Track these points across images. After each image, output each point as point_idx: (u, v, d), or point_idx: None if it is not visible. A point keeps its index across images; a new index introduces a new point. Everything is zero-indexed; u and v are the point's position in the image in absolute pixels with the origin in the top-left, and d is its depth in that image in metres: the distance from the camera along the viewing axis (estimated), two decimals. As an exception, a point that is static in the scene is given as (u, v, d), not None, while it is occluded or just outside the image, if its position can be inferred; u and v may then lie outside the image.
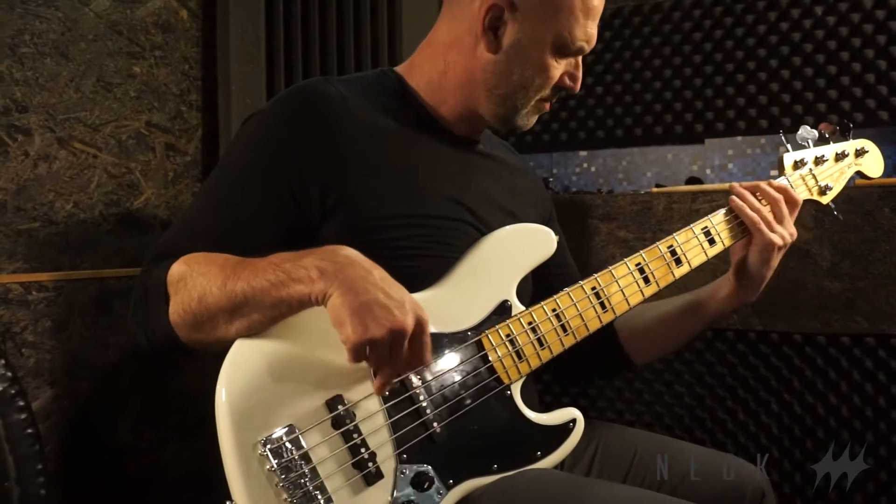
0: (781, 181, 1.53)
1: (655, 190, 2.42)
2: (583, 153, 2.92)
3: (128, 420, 2.18)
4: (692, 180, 2.67)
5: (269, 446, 1.08)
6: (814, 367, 2.18)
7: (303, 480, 1.09)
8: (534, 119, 1.40)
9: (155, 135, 2.32)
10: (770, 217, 1.44)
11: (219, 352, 1.14)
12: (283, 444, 1.09)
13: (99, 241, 2.15)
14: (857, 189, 2.04)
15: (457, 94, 1.35)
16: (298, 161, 1.24)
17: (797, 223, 2.13)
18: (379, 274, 1.08)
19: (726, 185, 2.48)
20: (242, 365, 1.12)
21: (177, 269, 1.16)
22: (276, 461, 1.08)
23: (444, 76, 1.35)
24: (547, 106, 1.39)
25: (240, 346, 1.13)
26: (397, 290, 1.09)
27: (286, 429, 1.10)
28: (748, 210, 1.43)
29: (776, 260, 1.47)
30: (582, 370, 1.60)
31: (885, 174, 2.36)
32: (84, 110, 2.14)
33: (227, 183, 1.28)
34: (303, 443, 1.11)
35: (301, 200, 1.23)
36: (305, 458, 1.10)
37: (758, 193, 1.46)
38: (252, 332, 1.13)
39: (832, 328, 2.14)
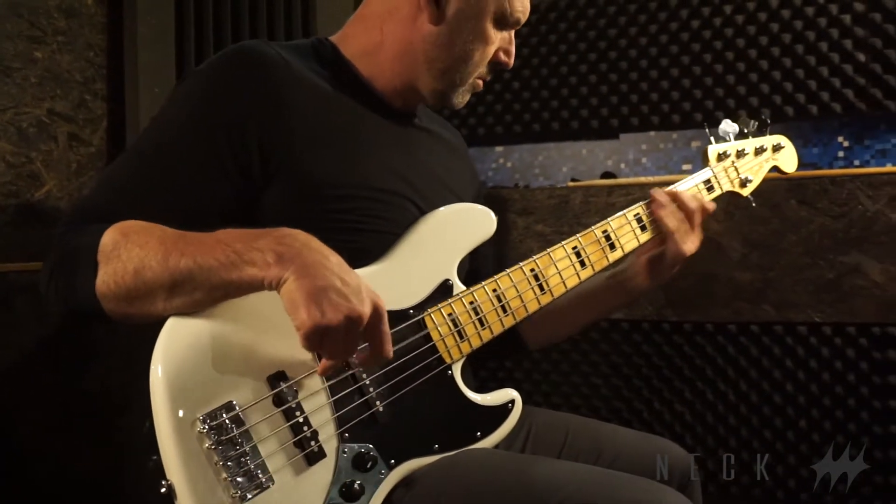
0: (705, 172, 1.56)
1: (572, 184, 2.45)
2: (499, 148, 2.93)
3: (31, 423, 2.07)
4: (607, 175, 2.71)
5: (207, 423, 1.04)
6: (725, 355, 2.25)
7: (243, 459, 1.05)
8: (467, 97, 1.38)
9: (57, 124, 2.21)
10: (686, 227, 1.48)
11: (142, 324, 1.09)
12: (223, 421, 1.05)
13: (-3, 233, 2.04)
14: (766, 182, 2.10)
15: (394, 66, 1.32)
16: (239, 118, 1.17)
17: (709, 215, 2.20)
18: (335, 260, 1.05)
19: (642, 179, 2.54)
20: (179, 340, 1.07)
21: (109, 237, 1.08)
22: (216, 439, 1.04)
23: (380, 47, 1.32)
24: (481, 84, 1.38)
25: (176, 321, 1.08)
26: (353, 276, 1.05)
27: (226, 405, 1.06)
28: (667, 221, 1.46)
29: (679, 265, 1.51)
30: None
31: (792, 168, 2.46)
32: (-20, 95, 2.03)
33: (162, 141, 1.21)
34: (243, 420, 1.07)
35: (241, 160, 1.17)
36: (246, 435, 1.07)
37: (676, 203, 1.49)
38: (191, 310, 1.08)
39: (743, 317, 2.20)
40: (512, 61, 1.38)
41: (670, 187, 1.54)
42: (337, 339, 1.02)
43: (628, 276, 1.52)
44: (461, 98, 1.37)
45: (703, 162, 1.60)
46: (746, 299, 2.19)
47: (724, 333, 2.24)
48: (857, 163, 2.43)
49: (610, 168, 2.78)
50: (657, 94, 2.51)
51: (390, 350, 1.07)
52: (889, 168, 2.25)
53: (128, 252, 1.06)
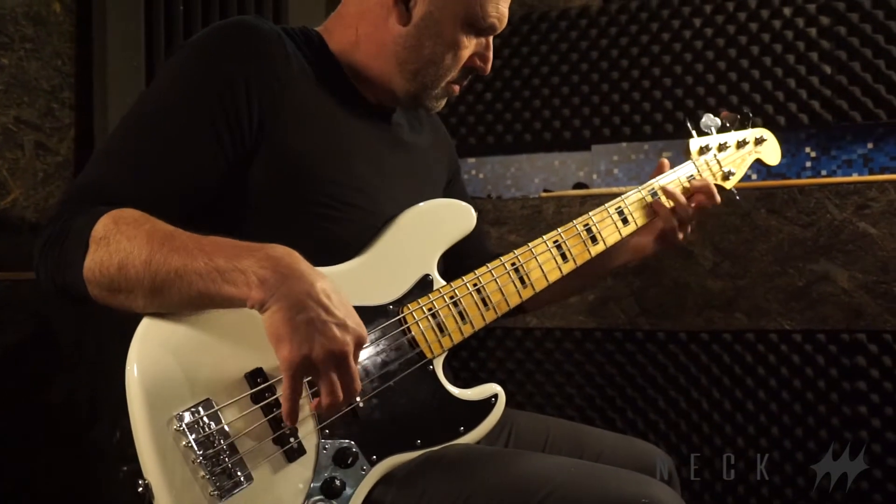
0: (688, 166, 1.56)
1: (544, 194, 2.46)
2: (471, 160, 2.94)
3: (-7, 437, 2.01)
4: (579, 185, 2.73)
5: (185, 421, 1.02)
6: (698, 363, 2.26)
7: (221, 457, 1.03)
8: (443, 102, 1.38)
9: (24, 132, 2.17)
10: (684, 218, 1.49)
11: (122, 317, 1.07)
12: (201, 418, 1.03)
13: (-39, 242, 2.00)
14: (736, 191, 2.14)
15: (371, 65, 1.32)
16: (234, 86, 1.15)
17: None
18: (321, 286, 1.02)
19: (614, 189, 2.56)
20: (155, 336, 1.05)
21: (102, 225, 1.06)
22: (193, 436, 1.02)
23: (356, 47, 1.32)
24: (456, 89, 1.37)
25: (151, 320, 1.06)
26: (340, 306, 1.03)
27: (203, 402, 1.04)
28: (671, 216, 1.47)
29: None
30: None
31: (761, 178, 2.50)
32: (-56, 101, 1.99)
33: (158, 113, 1.18)
34: (221, 417, 1.05)
35: (234, 129, 1.15)
36: (223, 433, 1.04)
37: (693, 196, 1.52)
38: (169, 311, 1.07)
39: (715, 325, 2.22)
40: (488, 68, 1.36)
41: (660, 181, 1.53)
42: (320, 373, 1.00)
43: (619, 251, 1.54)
44: (434, 102, 1.36)
45: (685, 155, 1.60)
46: (718, 307, 2.21)
47: (696, 342, 2.26)
48: (824, 173, 2.48)
49: (582, 179, 2.79)
50: (629, 105, 2.53)
51: (359, 386, 1.05)
52: (855, 178, 2.30)
53: (116, 243, 1.05)
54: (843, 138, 2.45)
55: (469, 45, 1.31)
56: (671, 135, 2.50)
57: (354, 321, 1.04)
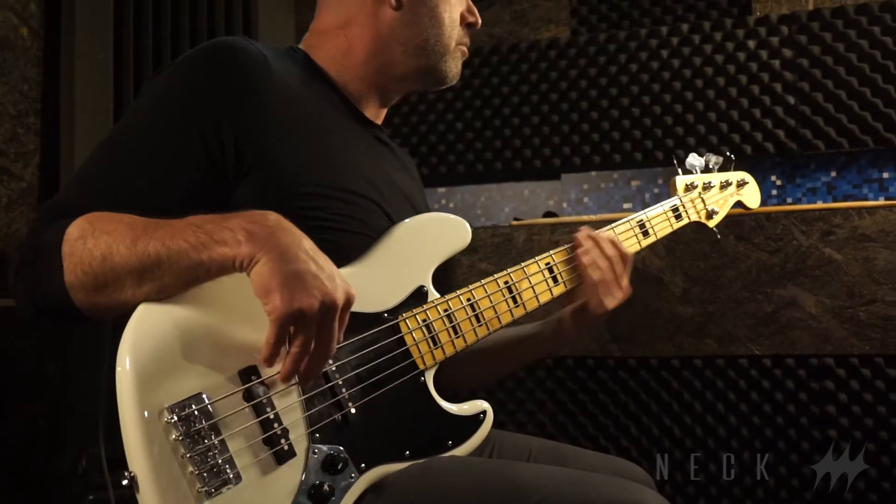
0: (674, 200, 1.58)
1: (515, 223, 2.47)
2: (441, 189, 2.95)
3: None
4: (549, 214, 2.75)
5: (175, 414, 0.99)
6: (669, 389, 2.27)
7: (211, 453, 1.00)
8: (459, 66, 1.40)
9: (-12, 156, 2.13)
10: (610, 277, 1.41)
11: (117, 318, 1.03)
12: (192, 412, 1.00)
13: (-80, 268, 1.94)
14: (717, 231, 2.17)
15: (368, 67, 1.33)
16: (215, 112, 1.14)
17: (651, 251, 2.24)
18: (308, 244, 1.02)
19: (584, 218, 2.58)
20: (149, 327, 1.02)
21: (76, 226, 1.03)
22: (183, 430, 0.99)
23: (349, 52, 1.33)
24: (465, 50, 1.40)
25: (146, 309, 1.03)
26: (327, 262, 1.02)
27: (195, 397, 1.01)
28: (590, 271, 1.40)
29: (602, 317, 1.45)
30: None
31: (727, 206, 2.54)
32: None
33: (134, 133, 1.17)
34: (212, 413, 1.02)
35: (215, 154, 1.14)
36: (214, 429, 1.01)
37: (602, 246, 1.41)
38: (160, 297, 1.03)
39: (686, 351, 2.23)
40: (479, 19, 1.41)
41: (648, 213, 1.53)
42: (309, 326, 0.99)
43: (553, 327, 1.49)
44: (451, 66, 1.37)
45: (671, 191, 1.62)
46: (689, 333, 2.23)
47: (667, 368, 2.27)
48: (789, 200, 2.53)
49: (552, 208, 2.82)
50: (598, 134, 2.57)
51: (335, 345, 1.03)
52: (820, 205, 2.35)
53: (95, 239, 1.02)
54: (808, 167, 2.51)
55: (457, 1, 1.36)
56: (640, 164, 2.54)
57: (342, 278, 1.03)
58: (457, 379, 1.45)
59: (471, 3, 1.41)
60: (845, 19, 2.40)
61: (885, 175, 2.48)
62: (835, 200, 2.49)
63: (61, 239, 1.04)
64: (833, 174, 2.50)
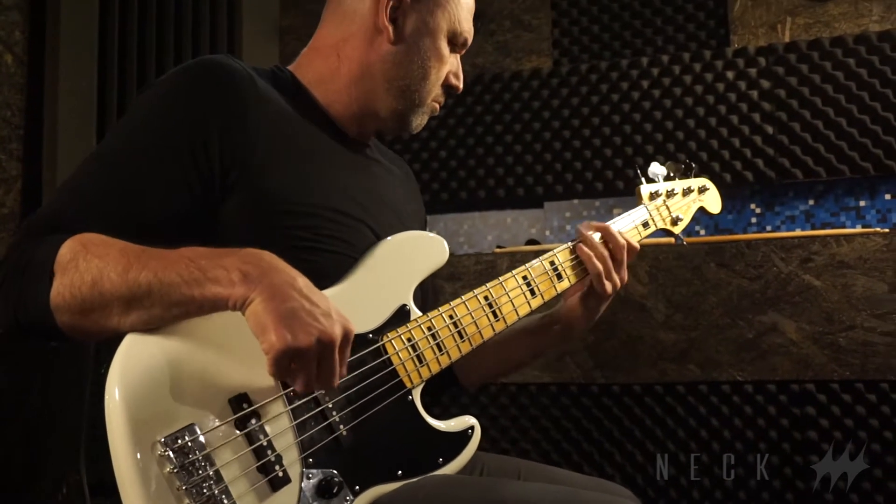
0: (640, 210, 1.60)
1: (498, 250, 2.48)
2: (425, 218, 2.96)
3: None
4: (531, 242, 2.77)
5: (169, 446, 0.98)
6: (653, 415, 2.27)
7: (207, 484, 0.99)
8: (425, 120, 1.42)
9: (-31, 182, 2.12)
10: (610, 265, 1.47)
11: (96, 341, 1.02)
12: (185, 444, 0.99)
13: None
14: (687, 246, 2.19)
15: (351, 91, 1.34)
16: (203, 128, 1.15)
17: (634, 278, 2.26)
18: (303, 282, 1.02)
19: (568, 244, 2.59)
20: (137, 358, 1.01)
21: (68, 247, 1.03)
22: (179, 462, 0.98)
23: (337, 73, 1.34)
24: (437, 107, 1.41)
25: (133, 339, 1.02)
26: (322, 298, 1.02)
27: (187, 428, 1.00)
28: (594, 260, 1.46)
29: (605, 305, 1.51)
30: None
31: (709, 232, 2.57)
32: None
33: (124, 149, 1.16)
34: (205, 444, 1.01)
35: (203, 170, 1.14)
36: (209, 460, 1.01)
37: (603, 237, 1.50)
38: (147, 327, 1.03)
39: (669, 377, 2.24)
40: (461, 85, 1.43)
41: (615, 224, 1.54)
42: (308, 364, 0.99)
43: (560, 317, 1.53)
44: (420, 119, 1.39)
45: (637, 200, 1.65)
46: (671, 359, 2.24)
47: (650, 394, 2.28)
48: (768, 228, 2.56)
49: (534, 236, 2.83)
50: (580, 163, 2.60)
51: (337, 380, 1.04)
52: (799, 232, 2.38)
53: (87, 263, 1.02)
54: (786, 195, 2.55)
55: (448, 61, 1.36)
56: (622, 192, 2.57)
57: (339, 314, 1.03)
58: (466, 378, 1.48)
59: (460, 69, 1.42)
60: (821, 51, 2.45)
61: (862, 203, 2.52)
62: (813, 228, 2.52)
63: (53, 258, 1.04)
64: (811, 202, 2.54)
